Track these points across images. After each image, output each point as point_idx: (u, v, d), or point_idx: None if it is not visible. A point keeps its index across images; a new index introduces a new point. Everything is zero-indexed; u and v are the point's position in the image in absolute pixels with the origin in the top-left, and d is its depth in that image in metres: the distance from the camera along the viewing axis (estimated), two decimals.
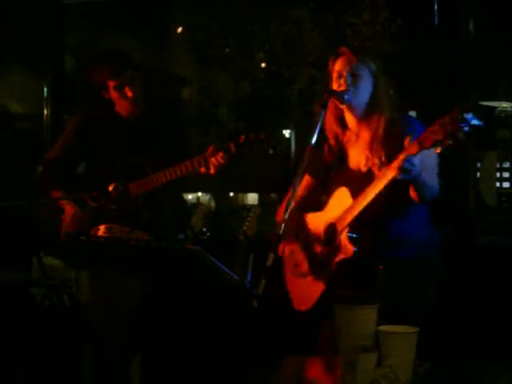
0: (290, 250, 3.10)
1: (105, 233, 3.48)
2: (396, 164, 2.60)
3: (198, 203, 5.94)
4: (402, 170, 2.59)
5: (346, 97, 2.91)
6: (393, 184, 2.69)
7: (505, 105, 5.72)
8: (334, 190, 2.96)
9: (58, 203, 3.58)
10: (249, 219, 4.55)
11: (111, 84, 3.56)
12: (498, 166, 5.70)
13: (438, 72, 5.29)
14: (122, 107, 3.64)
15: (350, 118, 3.00)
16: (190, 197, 6.01)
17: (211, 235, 5.16)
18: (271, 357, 2.54)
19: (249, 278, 3.01)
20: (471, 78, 5.01)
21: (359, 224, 2.81)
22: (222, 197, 6.00)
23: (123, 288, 3.50)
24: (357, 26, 5.51)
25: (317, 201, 3.10)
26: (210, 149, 3.38)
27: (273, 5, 5.68)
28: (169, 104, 4.02)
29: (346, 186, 2.90)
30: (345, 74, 2.92)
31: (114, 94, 3.59)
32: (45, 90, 5.80)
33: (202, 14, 5.78)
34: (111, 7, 6.08)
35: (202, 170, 3.41)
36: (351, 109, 2.95)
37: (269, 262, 2.52)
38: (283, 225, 2.62)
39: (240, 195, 6.42)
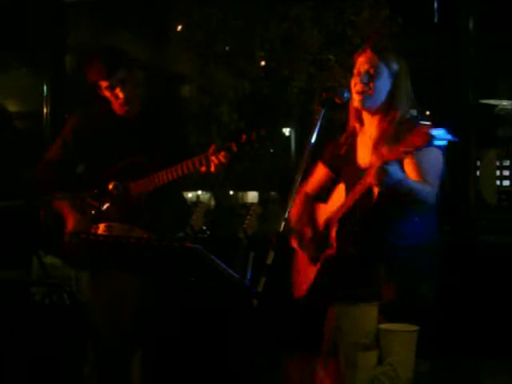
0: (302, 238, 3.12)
1: (105, 231, 3.48)
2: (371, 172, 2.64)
3: (197, 201, 5.93)
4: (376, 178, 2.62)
5: (345, 94, 2.92)
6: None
7: (505, 103, 5.73)
8: (340, 182, 3.00)
9: (59, 207, 3.58)
10: (249, 217, 4.55)
11: (103, 84, 3.55)
12: (497, 164, 5.71)
13: (439, 70, 5.29)
14: (115, 106, 3.63)
15: (365, 115, 3.01)
16: (189, 195, 6.01)
17: (211, 233, 5.16)
18: (271, 355, 2.54)
19: (249, 276, 3.01)
20: (471, 76, 5.01)
21: (361, 222, 2.82)
22: (221, 195, 6.00)
23: (123, 286, 3.50)
24: (357, 24, 5.50)
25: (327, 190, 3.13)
26: (212, 148, 3.38)
27: (272, 3, 5.67)
28: (168, 102, 4.02)
29: (350, 181, 2.91)
30: (362, 72, 2.93)
31: (106, 94, 3.58)
32: (45, 88, 5.80)
33: (202, 13, 5.77)
34: (112, 5, 6.07)
35: (203, 168, 3.41)
36: (363, 108, 2.96)
37: (269, 260, 2.52)
38: (283, 222, 2.62)
39: (240, 193, 6.42)
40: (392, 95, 2.94)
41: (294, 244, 3.11)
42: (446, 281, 3.00)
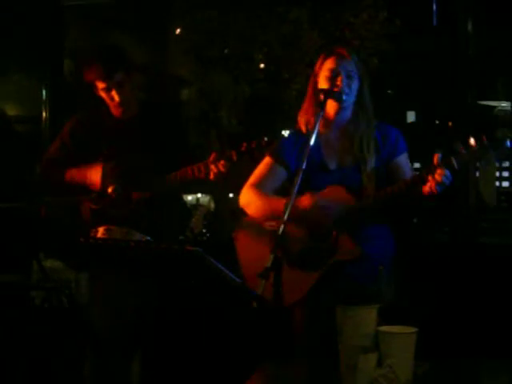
0: (255, 245, 3.08)
1: (104, 234, 3.48)
2: (433, 180, 2.65)
3: (197, 205, 5.93)
4: (440, 184, 2.67)
5: (344, 97, 2.92)
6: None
7: (504, 104, 5.73)
8: (312, 186, 2.95)
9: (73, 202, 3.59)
10: None
11: (99, 85, 3.55)
12: (497, 165, 5.70)
13: (437, 72, 5.29)
14: (111, 108, 3.63)
15: (332, 107, 2.99)
16: (189, 198, 6.00)
17: (211, 236, 5.15)
18: (270, 358, 2.54)
19: None
20: (470, 77, 5.01)
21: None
22: (221, 198, 5.99)
23: (123, 289, 3.50)
24: (356, 26, 5.50)
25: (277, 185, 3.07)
26: (212, 156, 3.36)
27: (271, 5, 5.67)
28: (166, 105, 4.01)
29: (327, 182, 2.91)
30: (341, 73, 2.93)
31: (102, 95, 3.58)
32: (43, 92, 5.80)
33: (200, 16, 5.77)
34: (111, 9, 6.07)
35: (202, 176, 3.40)
36: (341, 109, 2.96)
37: (268, 263, 2.52)
38: (282, 225, 2.62)
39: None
40: (360, 95, 2.97)
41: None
42: (446, 281, 3.01)
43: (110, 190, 3.52)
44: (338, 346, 2.23)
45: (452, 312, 3.87)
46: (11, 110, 5.92)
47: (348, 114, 2.99)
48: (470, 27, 4.97)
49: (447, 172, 2.67)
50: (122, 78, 3.54)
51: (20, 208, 4.42)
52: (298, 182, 2.74)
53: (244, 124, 5.81)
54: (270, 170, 3.15)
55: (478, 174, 5.33)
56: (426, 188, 2.71)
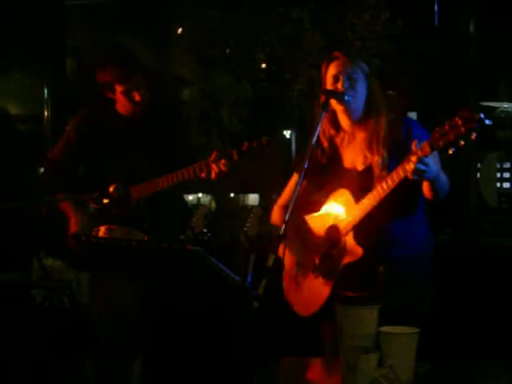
0: (290, 254, 3.09)
1: (105, 234, 3.48)
2: (409, 167, 2.58)
3: (198, 204, 5.94)
4: (415, 172, 2.57)
5: (346, 97, 2.91)
6: (399, 186, 2.69)
7: (505, 105, 5.73)
8: (329, 190, 2.96)
9: (62, 207, 3.59)
10: (249, 220, 4.56)
11: (119, 88, 3.55)
12: (498, 166, 5.70)
13: (439, 72, 5.29)
14: (124, 108, 3.63)
15: (344, 120, 3.00)
16: (190, 198, 6.01)
17: (212, 236, 5.16)
18: (272, 358, 2.54)
19: (249, 278, 3.00)
20: (472, 78, 5.01)
21: (360, 225, 2.80)
22: (222, 198, 5.99)
23: (124, 289, 3.50)
24: (357, 26, 5.51)
25: (307, 201, 3.07)
26: (213, 155, 3.37)
27: (273, 6, 5.68)
28: (169, 104, 4.01)
29: (342, 185, 2.89)
30: (341, 77, 2.91)
31: (120, 97, 3.58)
32: (45, 91, 5.80)
33: (202, 16, 5.78)
34: (113, 8, 6.07)
35: (203, 175, 3.40)
36: (349, 111, 2.94)
37: (269, 263, 2.52)
38: (284, 225, 2.61)
39: (241, 196, 6.42)
40: (370, 97, 2.95)
41: (290, 264, 3.07)
42: (447, 282, 3.00)
43: (111, 189, 3.52)
44: (339, 346, 2.24)
45: (453, 312, 3.87)
46: (13, 109, 5.91)
47: (359, 114, 2.97)
48: (471, 28, 4.97)
49: (423, 159, 2.57)
50: (140, 79, 3.55)
51: (20, 207, 4.42)
52: (300, 181, 2.74)
53: (245, 124, 5.82)
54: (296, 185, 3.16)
55: (479, 175, 5.33)
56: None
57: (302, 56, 5.63)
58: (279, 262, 2.84)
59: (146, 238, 3.46)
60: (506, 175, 5.68)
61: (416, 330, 2.18)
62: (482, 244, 4.67)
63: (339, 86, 2.92)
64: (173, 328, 3.90)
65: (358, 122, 2.96)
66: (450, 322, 2.99)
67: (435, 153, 2.58)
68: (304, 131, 5.86)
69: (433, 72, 5.39)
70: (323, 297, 2.87)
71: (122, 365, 3.62)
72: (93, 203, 3.58)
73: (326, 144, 3.05)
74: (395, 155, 2.72)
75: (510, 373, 2.35)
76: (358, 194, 2.81)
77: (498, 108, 5.73)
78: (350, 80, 2.92)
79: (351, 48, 3.06)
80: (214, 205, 6.04)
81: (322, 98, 2.91)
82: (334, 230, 2.91)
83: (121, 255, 2.77)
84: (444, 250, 3.44)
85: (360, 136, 2.96)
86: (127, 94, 3.54)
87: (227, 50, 5.79)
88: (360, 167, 2.92)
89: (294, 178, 3.14)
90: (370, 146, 2.90)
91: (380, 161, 2.83)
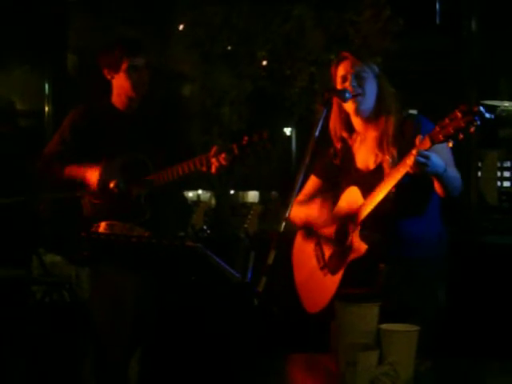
0: (301, 251, 3.10)
1: (105, 229, 3.48)
2: (409, 160, 2.59)
3: (198, 201, 5.94)
4: (416, 165, 2.57)
5: (346, 95, 2.91)
6: (405, 183, 2.68)
7: (506, 104, 5.73)
8: (343, 190, 2.96)
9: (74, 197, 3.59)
10: (249, 217, 4.55)
11: (124, 65, 3.56)
12: (498, 165, 5.71)
13: (440, 71, 5.29)
14: (121, 98, 3.63)
15: (356, 121, 3.00)
16: (190, 194, 6.01)
17: (212, 233, 5.16)
18: (272, 354, 2.54)
19: (249, 275, 3.01)
20: (473, 76, 5.01)
21: (370, 223, 2.80)
22: (222, 194, 6.00)
23: (123, 285, 3.50)
24: (358, 24, 5.50)
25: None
26: (214, 149, 3.37)
27: (275, 3, 5.67)
28: (168, 100, 4.02)
29: (356, 185, 2.90)
30: (349, 76, 2.92)
31: (120, 80, 3.57)
32: (46, 86, 5.80)
33: (203, 12, 5.77)
34: (114, 5, 6.07)
35: (204, 168, 3.41)
36: (360, 111, 2.94)
37: (270, 260, 2.51)
38: (284, 222, 2.61)
39: (241, 193, 6.42)
40: (380, 97, 2.95)
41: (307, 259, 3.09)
42: (447, 281, 3.00)
43: (111, 185, 3.52)
44: (339, 343, 2.24)
45: (453, 311, 3.86)
46: (14, 105, 5.92)
47: (370, 113, 2.97)
48: (473, 26, 4.97)
49: (423, 152, 2.58)
50: (145, 60, 3.58)
51: (20, 203, 4.41)
52: (301, 178, 2.74)
53: (246, 121, 5.81)
54: (313, 186, 3.18)
55: (479, 173, 5.34)
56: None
57: (303, 53, 5.62)
58: (286, 259, 2.85)
59: (146, 234, 3.46)
60: (507, 174, 5.68)
61: (416, 327, 2.18)
62: (482, 242, 4.67)
63: (347, 85, 2.92)
64: (172, 325, 3.90)
65: (370, 121, 2.96)
66: (450, 321, 2.99)
67: (440, 148, 2.59)
68: (305, 129, 5.86)
69: (434, 70, 5.39)
70: (330, 294, 2.88)
71: (120, 360, 3.62)
72: (92, 198, 3.58)
73: (338, 145, 3.06)
74: (406, 154, 2.72)
75: (510, 373, 2.35)
76: (370, 193, 2.82)
77: (498, 107, 5.73)
78: (358, 79, 2.92)
79: (361, 49, 3.06)
80: (213, 202, 6.04)
81: (325, 96, 2.91)
82: (342, 228, 2.92)
83: (121, 251, 2.77)
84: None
85: (371, 135, 2.96)
86: (132, 70, 3.55)
87: (228, 47, 5.78)
88: (372, 166, 2.93)
89: (312, 179, 3.16)
90: (380, 144, 2.90)
91: (390, 160, 2.83)
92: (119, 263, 3.21)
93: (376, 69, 2.97)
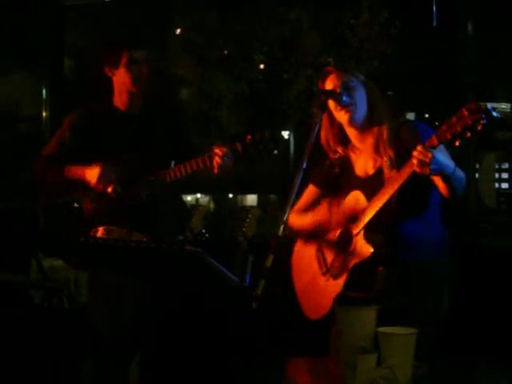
0: (300, 257, 3.10)
1: (104, 234, 3.48)
2: (414, 158, 2.59)
3: (197, 205, 5.93)
4: (420, 162, 2.57)
5: (344, 98, 2.92)
6: (407, 185, 2.69)
7: (504, 106, 5.72)
8: (343, 197, 2.96)
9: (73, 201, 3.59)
10: (248, 221, 4.56)
11: (125, 58, 3.56)
12: (496, 167, 5.70)
13: (437, 73, 5.29)
14: (121, 96, 3.63)
15: (351, 132, 3.00)
16: (189, 198, 6.00)
17: (210, 237, 5.15)
18: (271, 358, 2.54)
19: (248, 279, 3.01)
20: (470, 78, 5.01)
21: (372, 225, 2.80)
22: (221, 198, 5.99)
23: (122, 290, 3.50)
24: (356, 27, 5.50)
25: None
26: (215, 148, 3.37)
27: (272, 6, 5.67)
28: (168, 103, 4.02)
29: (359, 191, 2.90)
30: (338, 90, 2.92)
31: (121, 76, 3.57)
32: (44, 91, 5.80)
33: (200, 16, 5.78)
34: (111, 9, 6.07)
35: (207, 163, 3.40)
36: (353, 120, 2.94)
37: (268, 263, 2.52)
38: (282, 226, 2.61)
39: (239, 196, 6.41)
40: (371, 103, 2.95)
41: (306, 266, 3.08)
42: (459, 282, 3.01)
43: (109, 189, 3.52)
44: (338, 347, 2.24)
45: (451, 313, 3.86)
46: (11, 110, 5.92)
47: (363, 121, 2.97)
48: (470, 29, 4.98)
49: (427, 148, 2.57)
50: (146, 55, 3.59)
51: (19, 207, 4.42)
52: (298, 182, 2.74)
53: (243, 124, 5.82)
54: (311, 195, 3.18)
55: (477, 175, 5.33)
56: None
57: (300, 56, 5.62)
58: (286, 264, 2.85)
59: (144, 239, 3.46)
60: (505, 176, 5.67)
61: (414, 330, 2.18)
62: (480, 244, 4.67)
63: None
64: (171, 329, 3.90)
65: (364, 130, 2.96)
66: (448, 323, 2.99)
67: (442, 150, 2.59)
68: (302, 132, 5.86)
69: (431, 73, 5.39)
70: (333, 298, 2.87)
71: (119, 365, 3.62)
72: (90, 202, 3.58)
73: (334, 156, 3.06)
74: (404, 159, 2.71)
75: (510, 375, 2.35)
76: (371, 197, 2.81)
77: (496, 108, 5.72)
78: (347, 89, 2.93)
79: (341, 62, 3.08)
80: (212, 205, 6.03)
81: (321, 98, 2.92)
82: (346, 233, 2.92)
83: (119, 256, 2.77)
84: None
85: (368, 142, 2.97)
86: (132, 64, 3.55)
87: (225, 51, 5.78)
88: (371, 171, 2.93)
89: (310, 188, 3.17)
90: (377, 149, 2.91)
91: (388, 162, 2.83)
92: (117, 268, 3.21)
93: (361, 77, 2.98)
